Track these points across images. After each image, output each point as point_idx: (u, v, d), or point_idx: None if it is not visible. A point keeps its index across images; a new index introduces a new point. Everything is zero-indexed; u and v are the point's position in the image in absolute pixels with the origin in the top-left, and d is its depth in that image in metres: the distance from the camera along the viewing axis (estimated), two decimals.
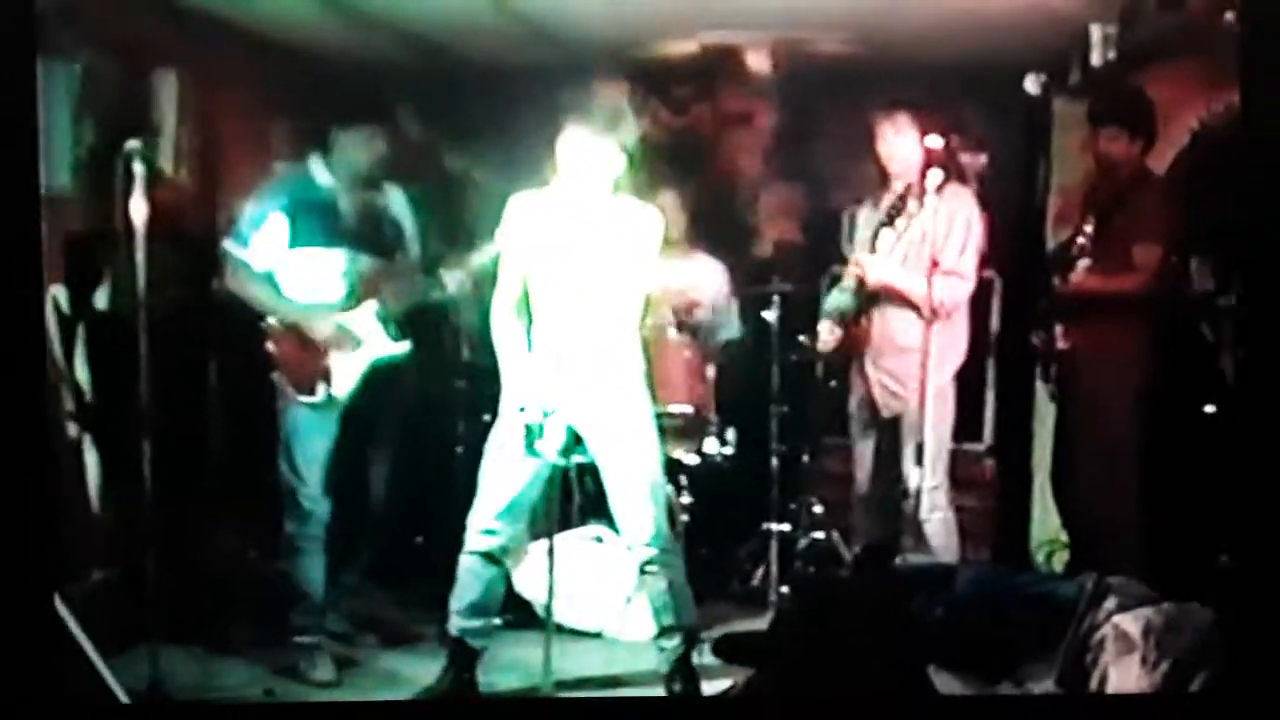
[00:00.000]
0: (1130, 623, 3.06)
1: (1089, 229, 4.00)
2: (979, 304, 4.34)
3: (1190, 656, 2.91)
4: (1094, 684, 3.04)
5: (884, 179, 4.12)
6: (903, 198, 3.91)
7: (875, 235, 3.99)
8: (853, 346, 4.17)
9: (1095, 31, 4.24)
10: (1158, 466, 3.91)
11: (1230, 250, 3.82)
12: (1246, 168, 2.83)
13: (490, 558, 3.54)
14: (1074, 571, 3.76)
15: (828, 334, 4.21)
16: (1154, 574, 3.44)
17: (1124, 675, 3.01)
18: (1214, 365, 3.85)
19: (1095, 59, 4.27)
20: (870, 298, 4.09)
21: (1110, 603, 3.17)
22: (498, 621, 3.68)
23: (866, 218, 4.25)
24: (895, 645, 2.95)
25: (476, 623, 3.56)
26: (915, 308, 3.94)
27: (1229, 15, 3.60)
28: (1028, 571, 4.25)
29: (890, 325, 4.08)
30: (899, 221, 3.89)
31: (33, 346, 2.75)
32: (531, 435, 3.34)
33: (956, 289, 3.96)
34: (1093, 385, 3.95)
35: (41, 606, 2.70)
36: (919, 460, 3.92)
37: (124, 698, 3.01)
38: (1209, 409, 3.85)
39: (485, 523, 3.51)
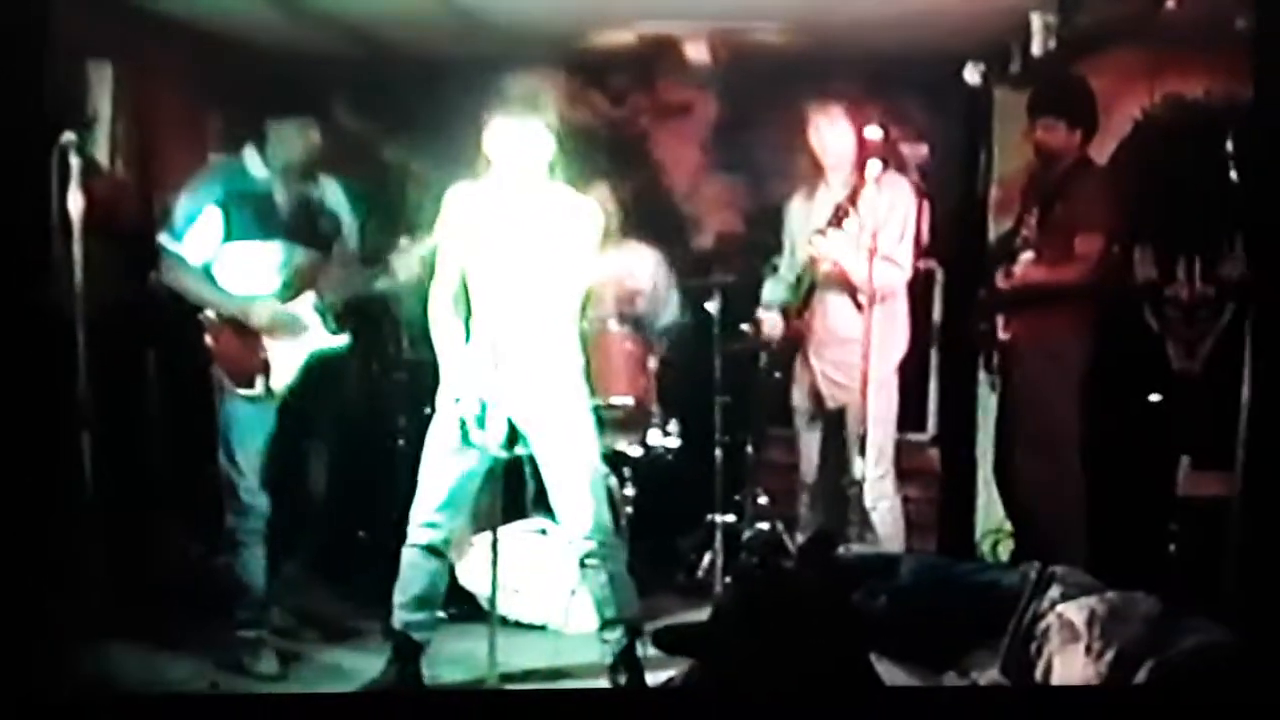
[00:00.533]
0: (1074, 612, 3.07)
1: (1030, 219, 4.01)
2: (921, 294, 4.35)
3: (1135, 646, 2.92)
4: (1039, 673, 3.05)
5: (817, 170, 4.13)
6: (848, 202, 3.90)
7: (824, 229, 3.99)
8: (796, 338, 4.18)
9: (1035, 20, 4.25)
10: (1101, 456, 3.94)
11: (1172, 239, 3.87)
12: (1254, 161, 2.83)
13: (432, 550, 3.52)
14: (1018, 561, 3.78)
15: (770, 326, 4.22)
16: (1098, 563, 3.47)
17: (1068, 665, 3.02)
18: (1158, 354, 3.88)
19: (1036, 48, 4.28)
20: (811, 288, 4.10)
21: (1054, 592, 3.18)
22: (442, 614, 3.67)
23: (800, 208, 4.26)
24: (838, 635, 2.95)
25: (420, 615, 3.55)
26: (855, 297, 3.94)
27: (1170, 4, 3.64)
28: (972, 561, 4.28)
29: (832, 316, 4.10)
30: (846, 223, 3.89)
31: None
32: (468, 428, 3.33)
33: (893, 276, 3.98)
34: (1034, 375, 3.97)
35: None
36: (863, 451, 3.93)
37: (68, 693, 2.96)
38: (1154, 398, 3.88)
39: (426, 515, 3.50)
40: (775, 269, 4.33)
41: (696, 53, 4.85)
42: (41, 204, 3.25)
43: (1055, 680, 3.00)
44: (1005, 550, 4.42)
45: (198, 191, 3.70)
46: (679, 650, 3.27)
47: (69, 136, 3.23)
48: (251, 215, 3.68)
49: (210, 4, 4.47)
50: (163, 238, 3.70)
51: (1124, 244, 3.95)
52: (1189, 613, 2.96)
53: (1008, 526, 4.38)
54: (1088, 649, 3.00)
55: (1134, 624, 3.00)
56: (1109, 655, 2.96)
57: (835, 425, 4.17)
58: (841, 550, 3.78)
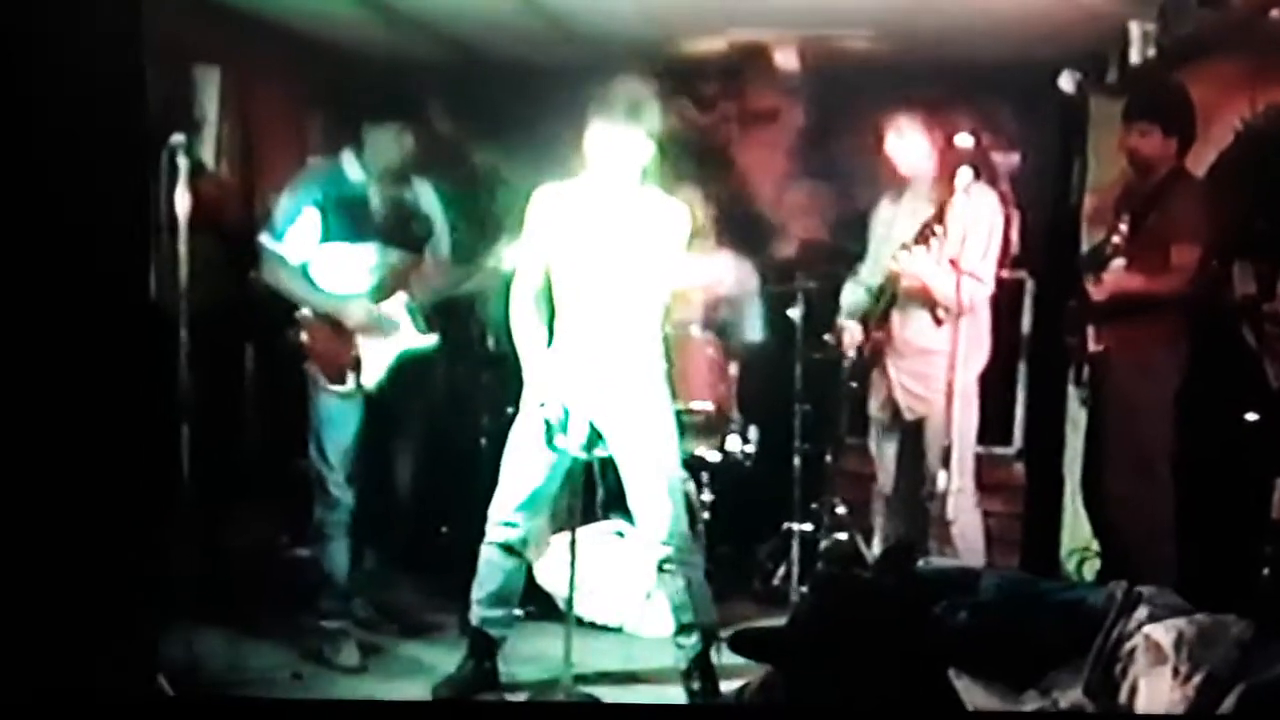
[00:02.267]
0: (1162, 633, 2.96)
1: (1123, 228, 3.90)
2: (1009, 305, 4.28)
3: (1224, 670, 2.82)
4: (1123, 695, 2.96)
5: (902, 177, 4.09)
6: (935, 220, 3.86)
7: (905, 247, 3.94)
8: (874, 348, 4.15)
9: (1134, 28, 4.17)
10: (1195, 475, 3.83)
11: (1272, 254, 3.75)
12: None
13: (510, 549, 3.56)
14: (1105, 580, 3.69)
15: (849, 335, 4.19)
16: (1188, 585, 3.37)
17: (1155, 687, 2.92)
18: (1256, 372, 3.76)
19: (1134, 56, 4.20)
20: (892, 298, 4.06)
21: (1141, 612, 3.07)
22: (519, 613, 3.71)
23: (885, 215, 4.22)
24: (917, 649, 2.92)
25: (497, 613, 3.59)
26: (935, 308, 3.91)
27: (1275, 12, 3.53)
28: (1055, 578, 4.19)
29: (911, 327, 4.05)
30: (933, 241, 3.85)
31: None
32: (552, 430, 3.36)
33: (974, 291, 3.92)
34: (1125, 389, 3.86)
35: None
36: (945, 463, 3.89)
37: (161, 680, 3.06)
38: (1250, 416, 3.76)
39: (505, 515, 3.54)
40: (856, 274, 4.30)
41: (786, 60, 4.84)
42: (146, 203, 3.38)
43: (1140, 704, 2.93)
44: (1090, 569, 4.31)
45: (297, 193, 3.78)
46: (756, 655, 3.27)
47: (177, 138, 3.34)
48: (348, 217, 3.76)
49: (311, 11, 4.59)
50: (263, 237, 3.79)
51: (1223, 258, 3.83)
52: None
53: (1094, 545, 4.27)
54: (1175, 672, 2.91)
55: (1224, 647, 2.90)
56: (1197, 679, 2.87)
57: (913, 437, 4.11)
58: (921, 563, 3.73)
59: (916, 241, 3.88)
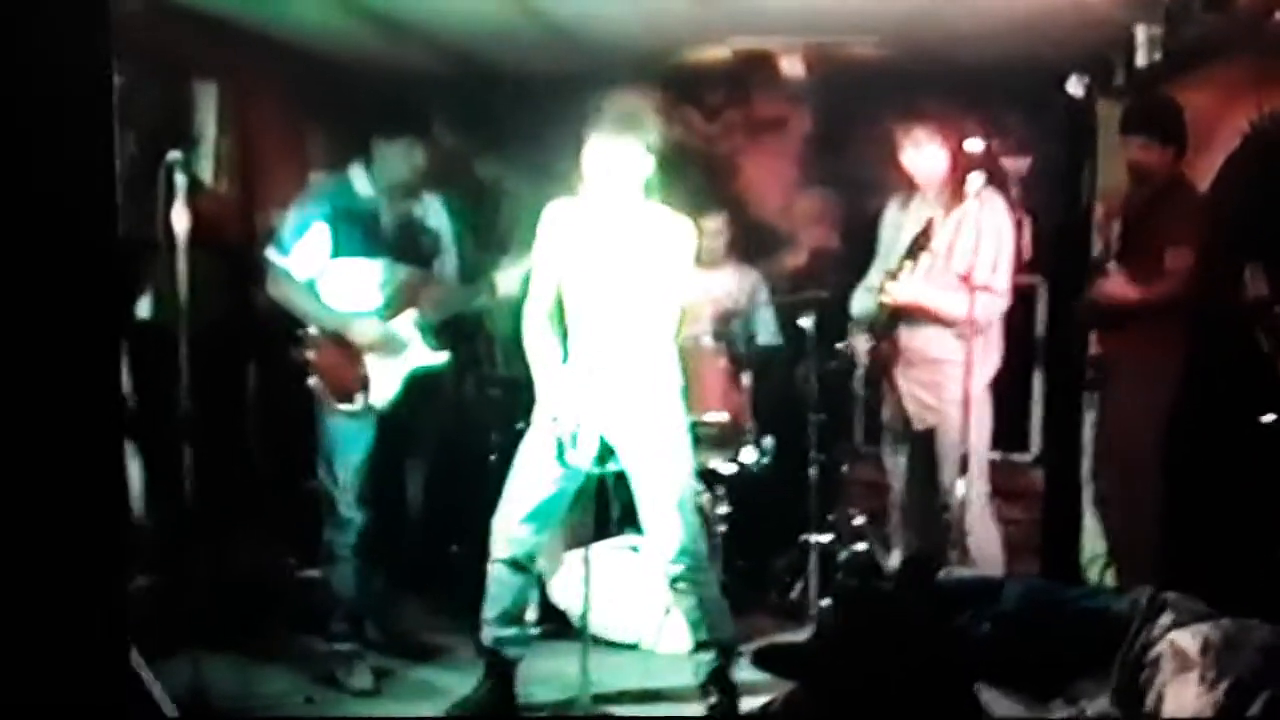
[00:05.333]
0: (1188, 639, 2.95)
1: (1114, 234, 3.95)
2: (1023, 311, 4.25)
3: (1250, 676, 2.80)
4: (1150, 702, 2.94)
5: (912, 183, 4.06)
6: (919, 240, 3.84)
7: (899, 265, 3.93)
8: (882, 358, 4.12)
9: (1140, 32, 4.16)
10: (1213, 479, 3.81)
11: None
12: None
13: (516, 564, 3.50)
14: (1126, 587, 3.66)
15: (859, 344, 4.16)
16: (1211, 590, 3.34)
17: (1181, 694, 2.91)
18: (1270, 374, 3.74)
19: (1140, 60, 4.20)
20: (895, 312, 4.03)
21: (1166, 618, 3.06)
22: (534, 631, 3.65)
23: (893, 219, 4.19)
24: (943, 661, 2.88)
25: (509, 631, 3.54)
26: (950, 327, 3.89)
27: (1279, 14, 3.52)
28: (1078, 586, 4.16)
29: (919, 336, 4.03)
30: (923, 256, 3.83)
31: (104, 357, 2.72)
32: (563, 445, 3.32)
33: (990, 306, 3.90)
34: (1120, 392, 3.90)
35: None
36: (962, 471, 3.85)
37: (168, 707, 2.99)
38: (1266, 419, 3.74)
39: (510, 529, 3.48)
40: (866, 281, 4.26)
41: (791, 67, 4.82)
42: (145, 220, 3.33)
43: (1168, 710, 2.90)
44: (1111, 576, 4.28)
45: (306, 207, 3.74)
46: (781, 670, 3.23)
47: (174, 154, 3.30)
48: (357, 233, 3.71)
49: (310, 25, 4.55)
50: (270, 252, 3.74)
51: (1233, 261, 3.83)
52: None
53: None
54: (1201, 678, 2.89)
55: (1249, 653, 2.88)
56: (1224, 685, 2.85)
57: (924, 446, 4.08)
58: (942, 574, 3.69)
59: (908, 256, 3.86)
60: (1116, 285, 3.89)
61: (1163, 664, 2.95)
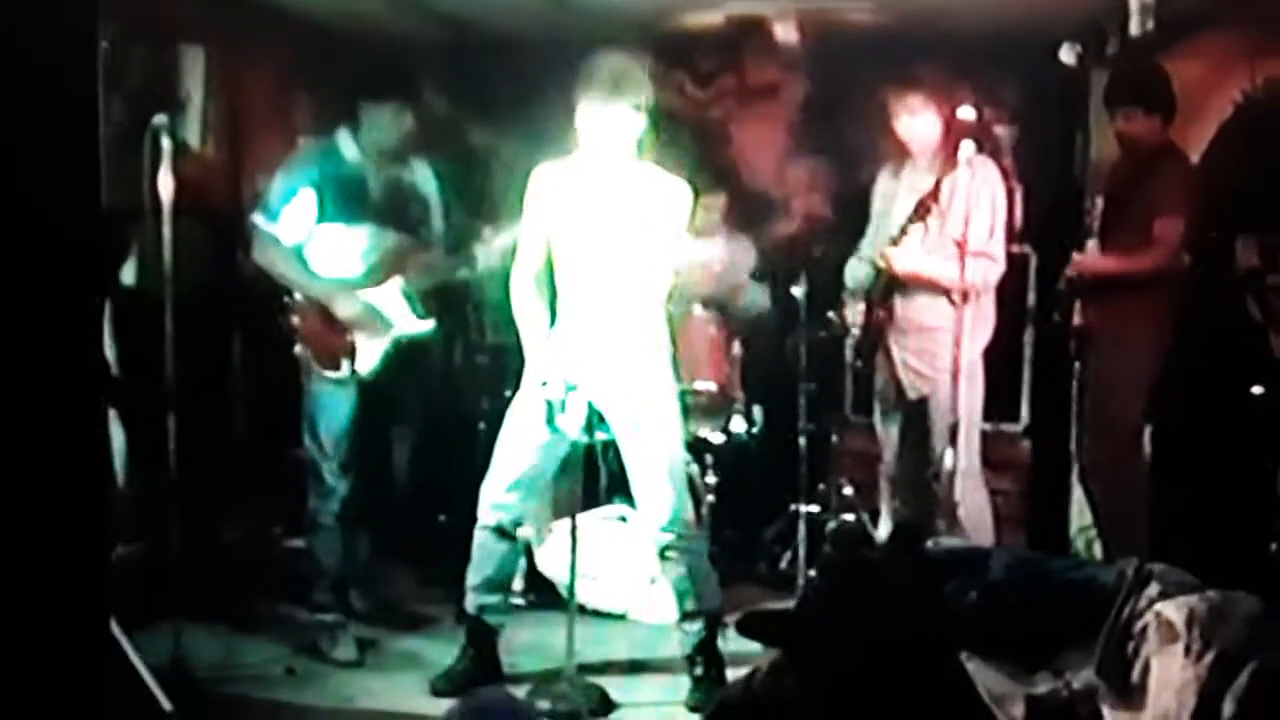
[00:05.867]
0: (1173, 611, 2.94)
1: (1097, 204, 3.93)
2: (1013, 280, 4.23)
3: (1236, 648, 2.80)
4: (1135, 674, 2.94)
5: (905, 150, 4.03)
6: (925, 202, 3.81)
7: (902, 230, 3.90)
8: (877, 325, 4.09)
9: (1133, 1, 4.11)
10: (1201, 449, 3.81)
11: (1275, 225, 3.71)
12: None
13: (502, 531, 3.49)
14: (1112, 558, 3.67)
15: (852, 313, 4.13)
16: (1198, 562, 3.34)
17: (1167, 665, 2.91)
18: (1261, 344, 3.73)
19: (1134, 29, 4.15)
20: (891, 280, 4.01)
21: (1152, 590, 3.05)
22: (519, 601, 3.64)
23: (885, 187, 4.16)
24: (927, 630, 2.87)
25: (492, 599, 3.52)
26: (947, 293, 3.86)
27: None
28: (1065, 557, 4.16)
29: (914, 304, 4.01)
30: (930, 220, 3.80)
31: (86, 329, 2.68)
32: (553, 411, 3.29)
33: (988, 271, 3.88)
34: (1102, 363, 3.90)
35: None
36: (952, 441, 3.84)
37: (148, 675, 2.98)
38: (1256, 390, 3.73)
39: (496, 496, 3.47)
40: (858, 250, 4.24)
41: (785, 33, 4.77)
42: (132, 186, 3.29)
43: (1153, 682, 2.90)
44: (1099, 548, 4.28)
45: (293, 172, 3.70)
46: (764, 638, 3.21)
47: (160, 119, 3.26)
48: (344, 198, 3.68)
49: None
50: (257, 217, 3.69)
51: (1225, 231, 3.81)
52: None
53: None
54: (1187, 650, 2.89)
55: (1235, 624, 2.88)
56: (1209, 657, 2.85)
57: (916, 415, 4.07)
58: (930, 544, 3.68)
59: (913, 219, 3.83)
60: (1096, 256, 3.88)
61: (1149, 635, 2.95)
